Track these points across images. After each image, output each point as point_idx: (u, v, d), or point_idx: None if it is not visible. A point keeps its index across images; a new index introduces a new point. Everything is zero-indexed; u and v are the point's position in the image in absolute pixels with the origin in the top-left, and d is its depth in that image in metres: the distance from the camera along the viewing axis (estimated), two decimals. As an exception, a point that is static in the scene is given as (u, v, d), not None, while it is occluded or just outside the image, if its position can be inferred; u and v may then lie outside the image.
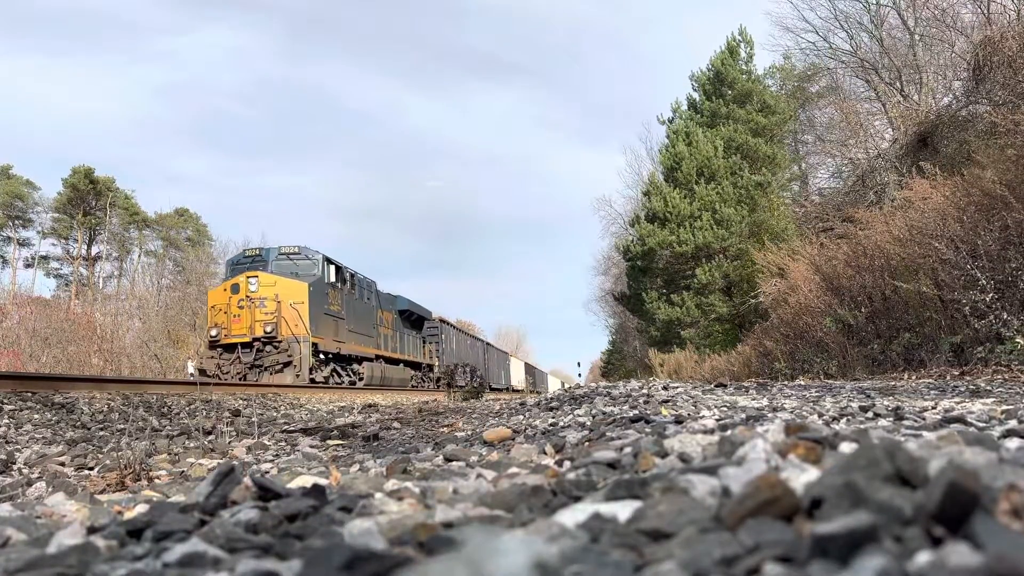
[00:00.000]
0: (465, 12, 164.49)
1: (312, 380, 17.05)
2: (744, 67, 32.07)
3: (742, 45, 32.13)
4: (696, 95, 33.07)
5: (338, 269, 20.08)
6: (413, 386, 25.31)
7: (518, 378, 50.22)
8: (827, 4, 25.13)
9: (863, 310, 13.03)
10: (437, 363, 29.71)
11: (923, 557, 0.68)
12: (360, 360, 20.76)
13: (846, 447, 1.28)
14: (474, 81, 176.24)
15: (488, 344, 43.47)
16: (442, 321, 31.74)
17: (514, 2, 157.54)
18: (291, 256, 18.58)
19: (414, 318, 27.37)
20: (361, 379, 20.43)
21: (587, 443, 2.36)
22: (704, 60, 34.48)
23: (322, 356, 18.09)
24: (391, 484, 1.57)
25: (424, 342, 28.75)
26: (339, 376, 19.42)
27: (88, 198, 53.96)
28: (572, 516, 1.00)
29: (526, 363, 62.38)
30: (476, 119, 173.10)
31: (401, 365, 24.60)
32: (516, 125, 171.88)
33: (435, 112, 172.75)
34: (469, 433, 4.18)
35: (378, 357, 22.19)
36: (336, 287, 19.62)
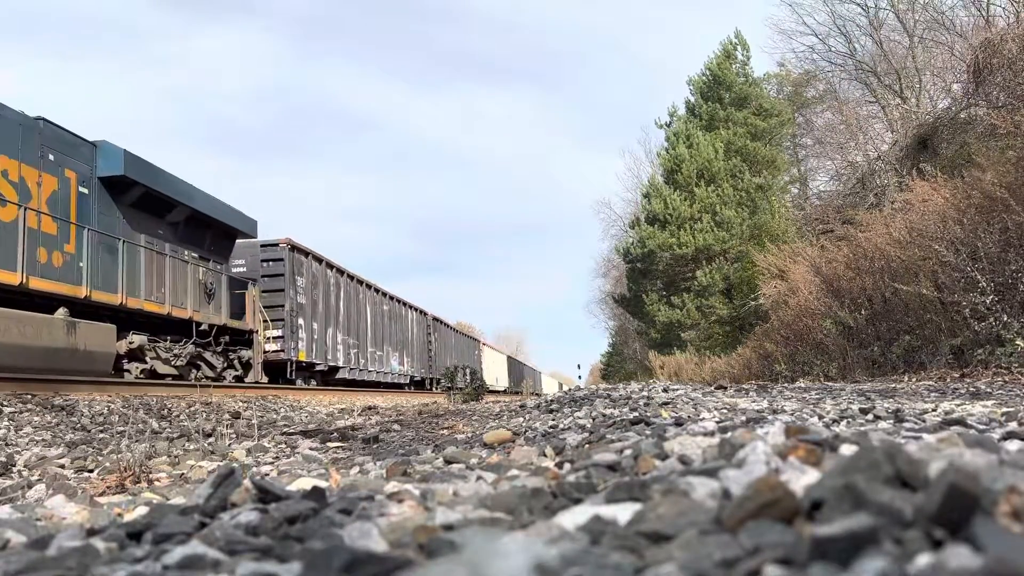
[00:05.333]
0: (467, 17, 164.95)
1: None
2: (741, 70, 32.11)
3: (738, 49, 32.17)
4: (693, 99, 33.11)
5: None
6: (147, 372, 11.60)
7: (496, 375, 38.36)
8: (826, 8, 25.17)
9: (863, 312, 13.03)
10: (277, 333, 16.02)
11: (923, 559, 0.68)
12: None
13: (846, 449, 1.28)
14: (476, 85, 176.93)
15: (437, 320, 28.93)
16: (296, 249, 16.95)
17: (516, 7, 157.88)
18: None
19: (187, 217, 12.98)
20: None
21: (587, 445, 2.36)
22: (702, 64, 34.46)
23: None
24: (391, 486, 1.57)
25: (235, 286, 14.66)
26: None
27: (88, 200, 53.84)
28: (572, 518, 1.00)
29: (510, 357, 49.27)
30: (477, 122, 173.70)
31: (61, 316, 9.68)
32: (517, 128, 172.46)
33: (437, 115, 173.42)
34: (469, 435, 4.17)
35: None
36: None
